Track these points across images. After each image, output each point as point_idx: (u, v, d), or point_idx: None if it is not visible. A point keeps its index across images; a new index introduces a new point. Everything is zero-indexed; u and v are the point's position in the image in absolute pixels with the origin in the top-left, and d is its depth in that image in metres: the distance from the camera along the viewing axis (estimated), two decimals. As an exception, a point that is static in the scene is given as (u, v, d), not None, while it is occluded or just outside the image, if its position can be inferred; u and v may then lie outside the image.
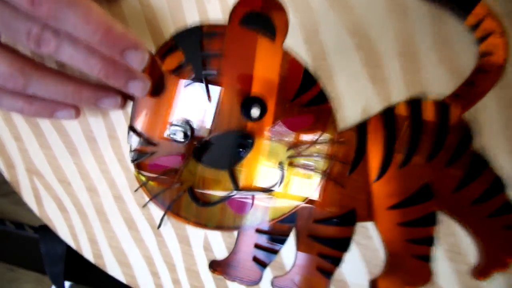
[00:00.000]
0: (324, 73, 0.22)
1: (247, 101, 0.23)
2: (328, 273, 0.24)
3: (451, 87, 0.21)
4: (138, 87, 0.23)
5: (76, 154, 0.28)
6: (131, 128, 0.26)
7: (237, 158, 0.24)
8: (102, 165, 0.27)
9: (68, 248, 0.29)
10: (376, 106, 0.22)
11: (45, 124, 0.28)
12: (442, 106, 0.21)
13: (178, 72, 0.24)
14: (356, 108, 0.22)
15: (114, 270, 0.28)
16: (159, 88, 0.25)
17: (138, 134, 0.26)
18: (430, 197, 0.22)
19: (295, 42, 0.22)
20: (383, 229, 0.23)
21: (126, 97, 0.25)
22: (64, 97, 0.22)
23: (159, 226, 0.26)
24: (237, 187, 0.24)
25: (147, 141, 0.26)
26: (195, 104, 0.25)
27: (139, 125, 0.26)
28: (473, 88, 0.21)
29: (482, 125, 0.21)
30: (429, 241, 0.22)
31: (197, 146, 0.24)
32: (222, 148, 0.24)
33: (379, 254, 0.23)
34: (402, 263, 0.23)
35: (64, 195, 0.28)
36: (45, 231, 0.29)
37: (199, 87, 0.24)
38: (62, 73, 0.22)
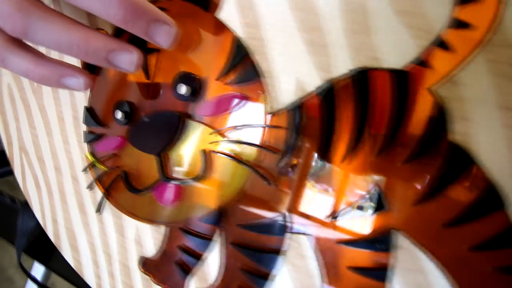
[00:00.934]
0: (257, 43, 0.18)
1: (180, 78, 0.21)
2: (249, 295, 0.18)
3: (413, 51, 0.15)
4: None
5: (50, 134, 0.29)
6: (87, 109, 0.26)
7: (166, 142, 0.21)
8: (66, 145, 0.28)
9: (40, 227, 0.30)
10: (313, 81, 0.17)
11: (34, 105, 0.30)
12: (399, 75, 0.15)
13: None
14: (291, 85, 0.17)
15: (66, 252, 0.28)
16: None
17: (92, 115, 0.25)
18: (380, 207, 0.15)
19: (227, 8, 0.19)
20: (321, 248, 0.17)
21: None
22: (68, 47, 0.18)
23: (97, 210, 0.25)
24: (163, 175, 0.21)
25: (98, 122, 0.25)
26: (137, 83, 0.23)
27: (94, 105, 0.25)
28: (447, 50, 0.14)
29: (464, 105, 0.14)
30: (381, 275, 0.15)
31: (129, 127, 0.23)
32: (153, 131, 0.22)
33: (315, 282, 0.17)
34: (338, 299, 0.16)
35: (39, 173, 0.30)
36: (26, 206, 0.30)
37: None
38: (68, 17, 0.18)
